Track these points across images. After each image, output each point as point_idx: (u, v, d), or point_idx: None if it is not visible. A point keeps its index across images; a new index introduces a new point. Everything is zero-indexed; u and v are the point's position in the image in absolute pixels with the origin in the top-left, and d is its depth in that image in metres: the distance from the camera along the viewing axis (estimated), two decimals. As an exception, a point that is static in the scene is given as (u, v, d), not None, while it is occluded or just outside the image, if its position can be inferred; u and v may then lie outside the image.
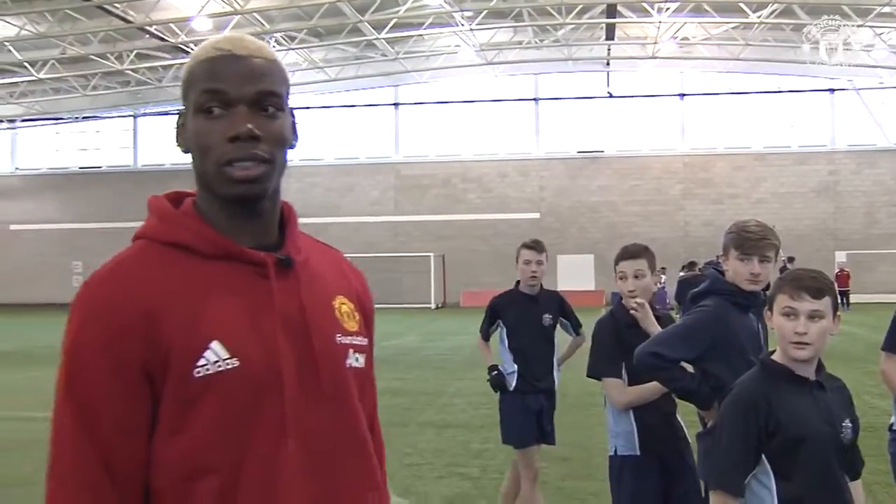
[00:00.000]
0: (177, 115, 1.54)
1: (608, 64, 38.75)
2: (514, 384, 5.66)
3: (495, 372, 5.76)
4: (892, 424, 4.71)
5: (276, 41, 32.73)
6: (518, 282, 5.77)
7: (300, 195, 39.26)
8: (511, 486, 5.90)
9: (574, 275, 37.30)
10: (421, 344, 20.07)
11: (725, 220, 3.95)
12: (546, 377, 5.67)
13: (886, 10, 29.00)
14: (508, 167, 39.36)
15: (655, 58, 36.13)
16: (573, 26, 33.45)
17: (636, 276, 4.19)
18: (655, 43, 34.71)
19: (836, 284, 32.85)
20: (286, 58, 35.68)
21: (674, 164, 39.02)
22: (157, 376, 1.43)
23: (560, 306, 5.83)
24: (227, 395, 1.43)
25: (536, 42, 35.37)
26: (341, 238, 37.86)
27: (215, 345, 1.43)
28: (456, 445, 8.87)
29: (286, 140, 1.55)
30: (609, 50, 36.63)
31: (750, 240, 3.58)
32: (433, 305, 35.70)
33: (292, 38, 32.91)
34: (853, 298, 32.01)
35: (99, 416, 1.41)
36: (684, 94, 39.57)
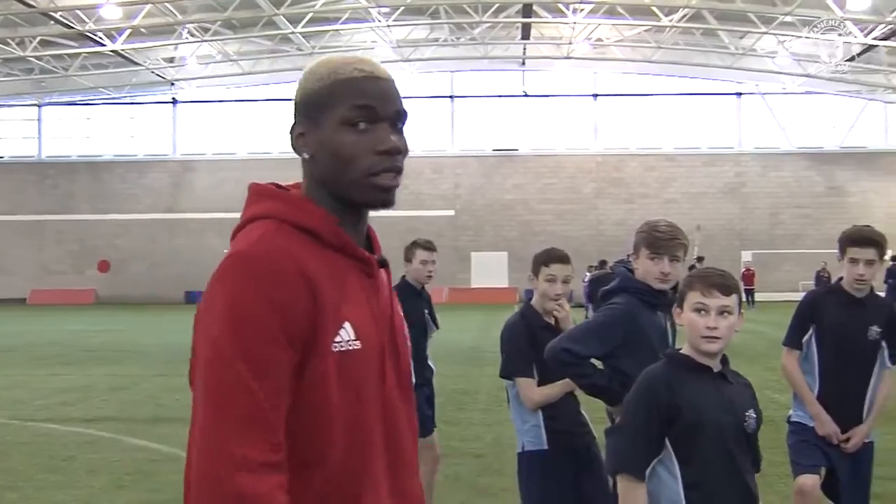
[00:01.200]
0: (293, 124, 1.66)
1: (524, 63, 39.11)
2: None
3: None
4: (789, 416, 4.87)
5: (188, 32, 32.11)
6: (404, 276, 5.84)
7: (211, 190, 38.64)
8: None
9: (487, 272, 37.57)
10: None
11: (637, 220, 4.04)
12: (426, 369, 5.80)
13: (788, 19, 29.95)
14: (424, 164, 39.38)
15: (570, 58, 36.62)
16: (489, 25, 33.66)
17: (565, 281, 4.25)
18: (570, 43, 35.17)
19: (742, 283, 33.82)
20: (199, 50, 35.07)
21: (587, 164, 39.60)
22: (306, 340, 1.50)
23: (429, 301, 6.03)
24: (348, 375, 1.55)
25: (453, 40, 35.49)
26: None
27: (347, 325, 1.55)
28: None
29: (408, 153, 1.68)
30: (525, 49, 36.97)
31: (661, 239, 3.65)
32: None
33: (205, 30, 32.30)
34: (758, 297, 32.99)
35: (268, 371, 1.46)
36: (598, 95, 40.20)
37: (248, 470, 1.41)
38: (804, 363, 4.72)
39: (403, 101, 1.66)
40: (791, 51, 34.77)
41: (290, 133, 1.66)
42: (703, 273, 2.94)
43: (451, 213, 39.37)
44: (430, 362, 5.90)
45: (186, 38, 32.76)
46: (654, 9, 30.35)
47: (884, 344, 4.62)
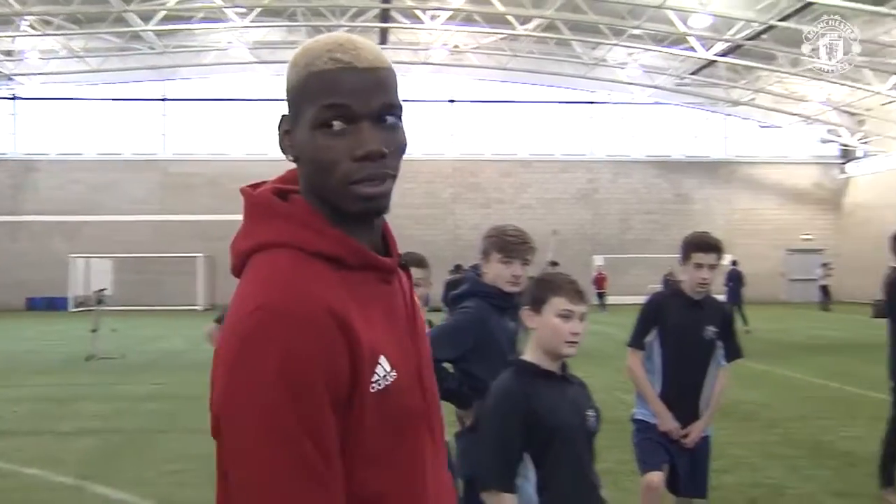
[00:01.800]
0: (283, 119, 1.48)
1: (382, 68, 39.02)
2: None
3: None
4: (633, 414, 5.06)
5: (29, 25, 30.64)
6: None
7: (57, 191, 36.95)
8: None
9: (346, 276, 37.16)
10: (187, 347, 19.41)
11: (493, 224, 4.10)
12: None
13: (637, 32, 31.11)
14: (281, 168, 38.49)
15: (427, 64, 36.90)
16: (347, 29, 33.52)
17: (417, 284, 4.27)
18: (427, 49, 35.43)
19: (594, 286, 34.77)
20: (41, 44, 33.53)
21: (444, 169, 39.96)
22: (347, 396, 1.34)
23: None
24: (390, 411, 1.39)
25: (311, 42, 35.17)
26: (100, 237, 35.98)
27: (382, 358, 1.39)
28: (223, 451, 8.65)
29: (406, 148, 1.47)
30: (383, 54, 36.93)
31: (512, 243, 3.73)
32: (201, 307, 34.65)
33: (48, 23, 30.89)
34: (609, 300, 34.05)
35: (331, 446, 1.31)
36: (454, 101, 40.65)
37: None
38: (647, 363, 4.92)
39: (397, 86, 1.45)
40: (640, 62, 36.09)
41: (278, 129, 1.49)
42: (566, 280, 3.01)
43: (309, 217, 38.94)
44: None
45: (26, 30, 31.25)
46: (510, 17, 30.93)
47: (719, 343, 4.88)
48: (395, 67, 1.47)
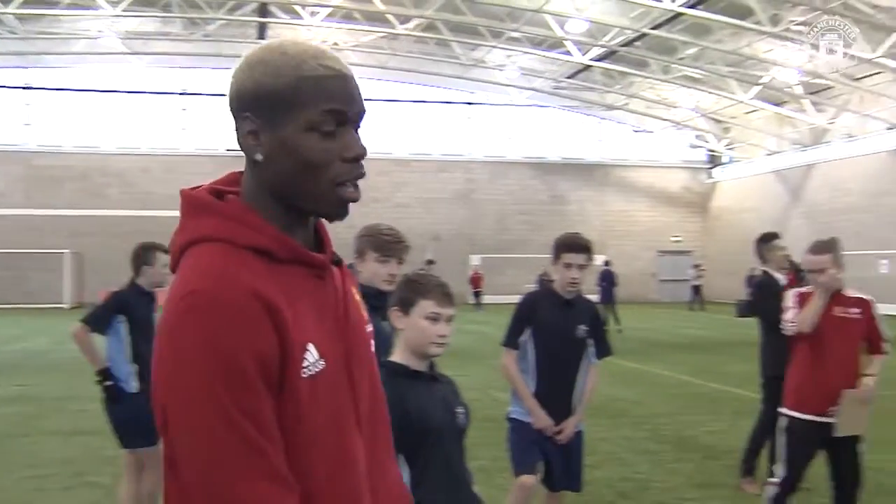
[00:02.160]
0: (240, 119, 1.49)
1: (260, 63, 38.41)
2: (135, 385, 5.55)
3: (109, 382, 5.56)
4: (508, 413, 5.14)
5: None
6: (135, 281, 5.70)
7: None
8: (135, 486, 5.71)
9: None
10: (51, 347, 18.64)
11: (367, 224, 4.08)
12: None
13: (515, 35, 31.58)
14: (153, 162, 37.78)
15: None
16: (224, 22, 32.89)
17: None
18: (307, 46, 34.98)
19: (470, 286, 35.06)
20: None
21: (323, 167, 39.65)
22: (278, 379, 1.40)
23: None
24: (320, 398, 1.46)
25: (186, 35, 34.34)
26: (-40, 231, 34.28)
27: (311, 346, 1.45)
28: (87, 453, 8.37)
29: None
30: (261, 49, 36.33)
31: (389, 242, 3.73)
32: (67, 305, 33.38)
33: None
34: (485, 299, 34.44)
35: (264, 420, 1.37)
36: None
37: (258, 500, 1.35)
38: (522, 362, 5.00)
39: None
40: (518, 65, 36.65)
41: (237, 129, 1.50)
42: (435, 283, 3.03)
43: (183, 213, 38.01)
44: None
45: None
46: (389, 16, 30.93)
47: (590, 341, 5.01)
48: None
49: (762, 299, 7.05)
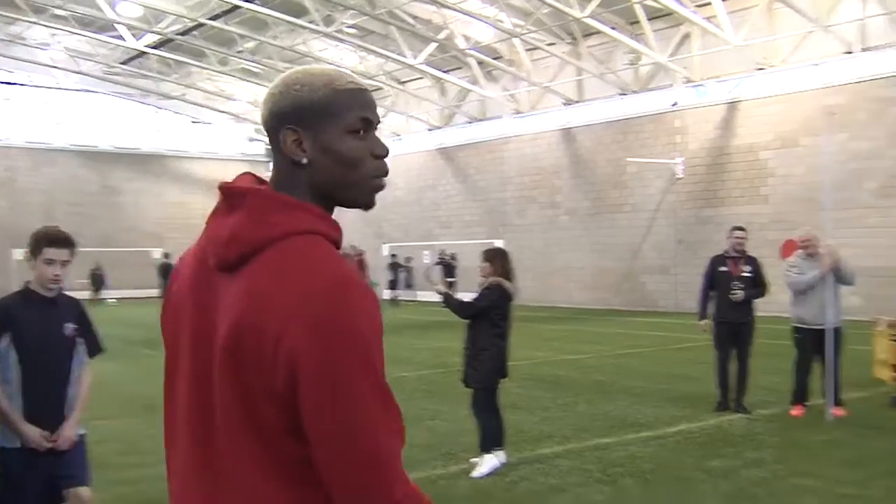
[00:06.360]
0: (283, 131, 1.67)
1: None
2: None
3: None
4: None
5: None
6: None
7: None
8: None
9: None
10: None
11: None
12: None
13: (61, 13, 29.47)
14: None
15: None
16: None
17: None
18: None
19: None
20: None
21: None
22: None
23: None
24: None
25: None
26: None
27: None
28: None
29: None
30: None
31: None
32: None
33: None
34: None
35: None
36: None
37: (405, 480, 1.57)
38: (5, 373, 4.47)
39: None
40: (65, 45, 34.30)
41: (281, 139, 1.68)
42: None
43: None
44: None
45: None
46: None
47: (80, 340, 4.65)
48: None
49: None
